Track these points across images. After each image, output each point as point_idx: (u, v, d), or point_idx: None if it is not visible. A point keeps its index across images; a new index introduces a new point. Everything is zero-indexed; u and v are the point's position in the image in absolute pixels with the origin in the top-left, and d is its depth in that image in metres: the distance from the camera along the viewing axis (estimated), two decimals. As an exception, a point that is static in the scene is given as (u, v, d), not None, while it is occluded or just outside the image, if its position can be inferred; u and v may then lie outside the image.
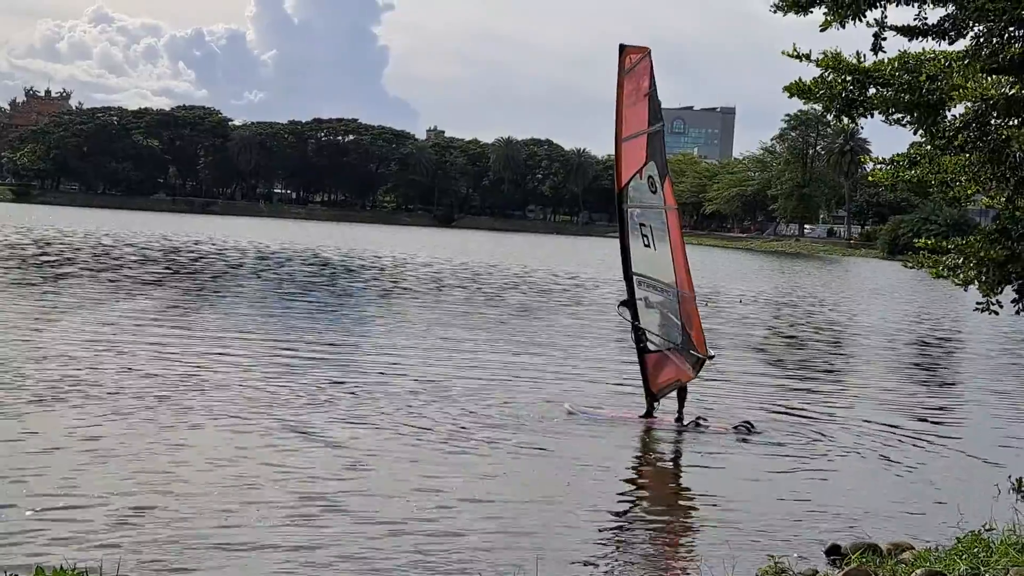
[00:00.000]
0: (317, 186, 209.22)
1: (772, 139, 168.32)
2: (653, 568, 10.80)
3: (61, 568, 7.93)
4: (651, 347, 17.84)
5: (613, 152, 17.70)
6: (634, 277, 17.80)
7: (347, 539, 10.80)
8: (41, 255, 49.61)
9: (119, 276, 40.80)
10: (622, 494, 13.91)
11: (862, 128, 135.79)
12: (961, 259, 13.23)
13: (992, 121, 12.55)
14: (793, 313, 43.32)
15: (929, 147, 13.39)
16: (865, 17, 12.68)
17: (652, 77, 17.18)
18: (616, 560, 11.05)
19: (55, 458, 13.01)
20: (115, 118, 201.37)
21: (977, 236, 13.50)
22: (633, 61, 17.10)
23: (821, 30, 12.93)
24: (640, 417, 17.71)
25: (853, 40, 13.28)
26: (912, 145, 14.89)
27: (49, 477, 12.15)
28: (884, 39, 12.83)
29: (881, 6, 12.71)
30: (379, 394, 18.48)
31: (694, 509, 13.44)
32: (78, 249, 56.03)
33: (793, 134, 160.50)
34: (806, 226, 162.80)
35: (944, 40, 12.87)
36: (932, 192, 16.61)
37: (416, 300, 39.44)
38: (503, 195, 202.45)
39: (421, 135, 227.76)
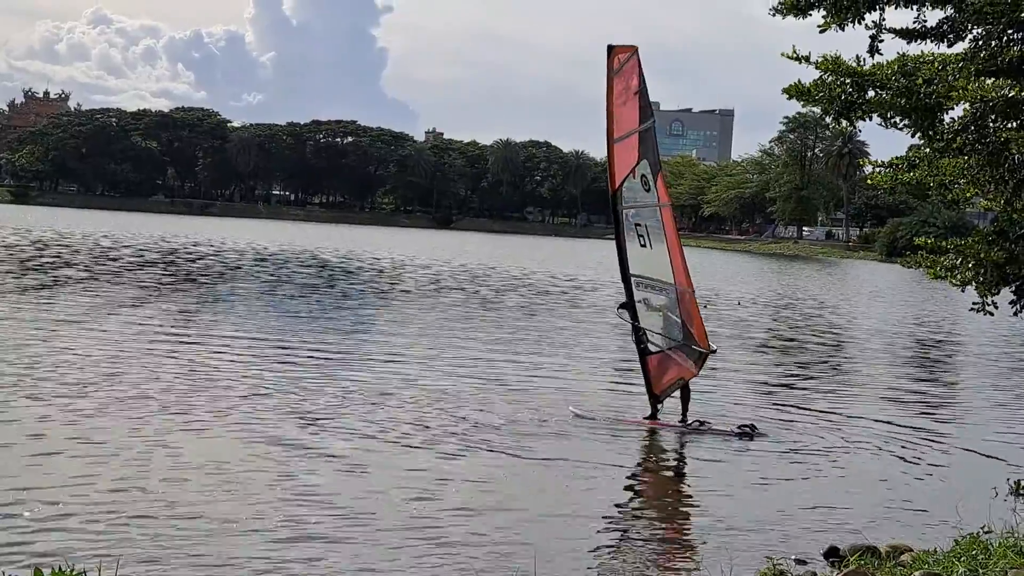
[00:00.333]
0: (316, 188, 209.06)
1: (771, 141, 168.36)
2: (652, 570, 10.80)
3: (60, 569, 7.92)
4: (652, 348, 17.84)
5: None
6: (632, 279, 17.81)
7: (347, 543, 10.80)
8: (39, 256, 49.56)
9: (117, 278, 40.76)
10: (622, 496, 13.92)
11: (861, 131, 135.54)
12: (959, 260, 13.27)
13: (991, 124, 12.58)
14: (792, 316, 43.32)
15: (928, 150, 13.41)
16: (864, 20, 12.70)
17: (641, 75, 17.16)
18: (615, 561, 11.06)
19: (54, 459, 13.01)
20: (114, 119, 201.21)
21: (975, 237, 13.53)
22: (621, 61, 17.10)
23: (820, 32, 12.95)
24: (644, 419, 17.71)
25: (853, 43, 13.30)
26: (911, 148, 14.92)
27: (48, 478, 12.15)
28: (881, 41, 12.86)
29: (880, 8, 12.73)
30: (378, 397, 18.46)
31: (693, 511, 13.45)
32: (76, 251, 55.99)
33: (792, 136, 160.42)
34: (804, 228, 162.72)
35: (943, 43, 12.89)
36: (931, 194, 16.61)
37: (415, 302, 39.43)
38: (502, 197, 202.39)
39: (420, 137, 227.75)
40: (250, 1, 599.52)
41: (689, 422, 17.40)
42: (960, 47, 12.86)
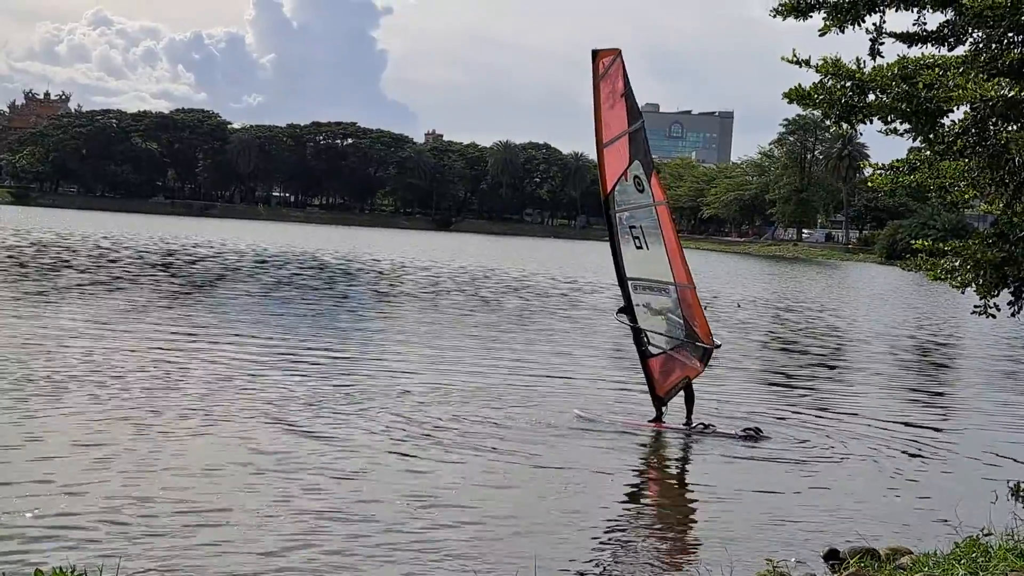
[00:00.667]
0: (315, 189, 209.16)
1: (770, 143, 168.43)
2: (652, 571, 10.81)
3: (60, 570, 7.93)
4: (653, 351, 17.82)
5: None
6: (630, 282, 17.79)
7: (346, 544, 10.80)
8: (38, 257, 49.57)
9: (117, 280, 40.76)
10: (624, 498, 13.92)
11: (861, 133, 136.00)
12: (959, 261, 13.27)
13: (991, 126, 12.58)
14: (792, 318, 43.31)
15: (928, 152, 13.41)
16: (864, 22, 12.70)
17: (626, 77, 17.22)
18: (615, 562, 11.08)
19: (54, 461, 13.01)
20: (114, 121, 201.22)
21: (975, 239, 13.54)
22: (606, 65, 17.13)
23: (820, 35, 12.95)
24: (649, 422, 17.70)
25: (853, 45, 13.30)
26: (911, 151, 14.93)
27: (48, 479, 12.15)
28: (882, 44, 12.86)
29: (880, 11, 12.73)
30: (378, 399, 18.47)
31: (693, 513, 13.47)
32: (75, 251, 56.00)
33: (791, 138, 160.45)
34: (804, 231, 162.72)
35: (943, 46, 12.89)
36: (931, 197, 16.65)
37: (415, 304, 39.43)
38: (501, 199, 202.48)
39: (419, 139, 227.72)
40: (250, 3, 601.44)
41: (694, 425, 17.41)
42: (960, 50, 12.87)
